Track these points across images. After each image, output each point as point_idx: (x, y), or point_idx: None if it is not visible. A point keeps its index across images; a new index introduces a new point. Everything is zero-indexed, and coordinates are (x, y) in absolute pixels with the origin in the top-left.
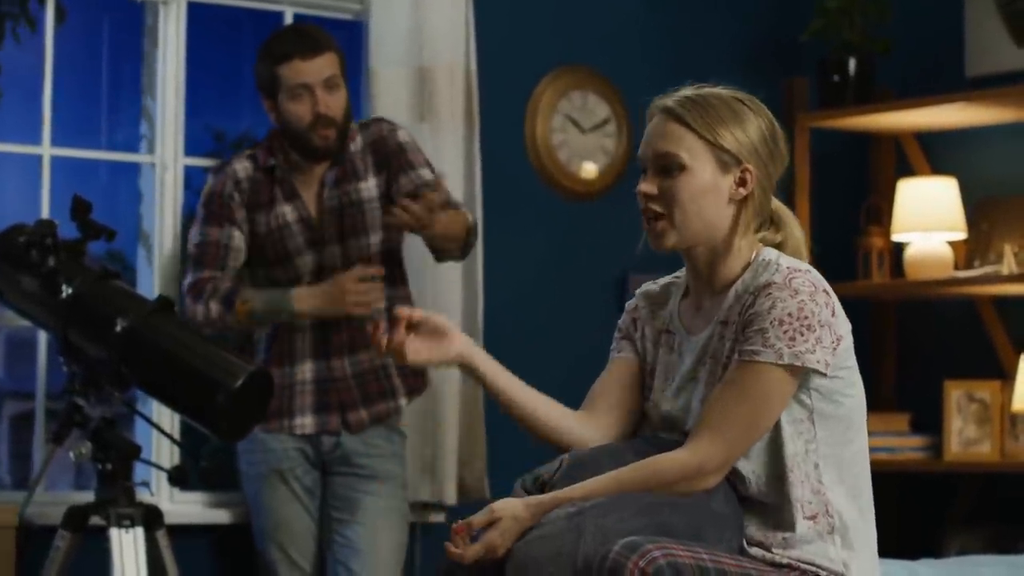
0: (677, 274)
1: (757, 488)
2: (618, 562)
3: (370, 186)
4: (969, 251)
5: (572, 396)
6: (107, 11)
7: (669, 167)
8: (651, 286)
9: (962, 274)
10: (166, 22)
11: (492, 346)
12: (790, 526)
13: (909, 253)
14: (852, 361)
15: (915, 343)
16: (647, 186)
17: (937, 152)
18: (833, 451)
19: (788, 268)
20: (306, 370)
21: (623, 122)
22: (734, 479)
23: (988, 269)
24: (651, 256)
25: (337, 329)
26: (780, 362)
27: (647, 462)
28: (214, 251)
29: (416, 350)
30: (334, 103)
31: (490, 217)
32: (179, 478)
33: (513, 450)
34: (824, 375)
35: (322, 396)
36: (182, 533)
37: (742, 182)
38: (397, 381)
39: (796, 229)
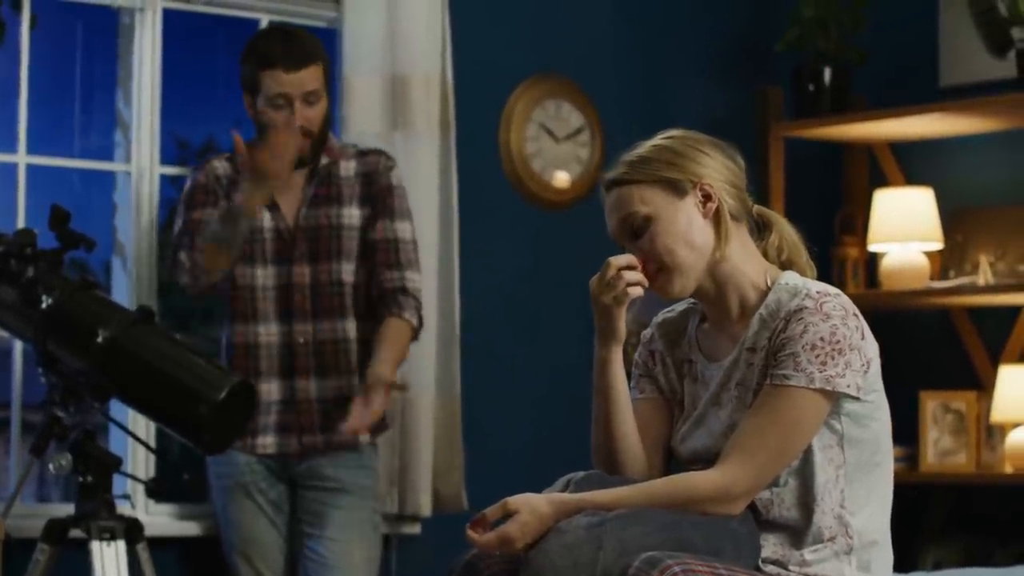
0: (693, 301)
1: (779, 512)
2: None
3: (353, 214)
4: (944, 262)
5: (548, 401)
6: (80, 17)
7: (636, 227)
8: (668, 314)
9: (938, 284)
10: (142, 29)
11: (469, 353)
12: (807, 546)
13: (885, 263)
14: (880, 384)
15: (890, 354)
16: (629, 256)
17: (911, 162)
18: (859, 474)
19: (818, 292)
20: (272, 390)
21: (597, 131)
22: (755, 503)
23: (964, 280)
24: None
25: (305, 351)
26: (811, 386)
27: (678, 478)
28: (195, 229)
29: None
30: (313, 116)
31: (465, 226)
32: (156, 490)
33: (490, 462)
34: (856, 399)
35: (286, 416)
36: (153, 545)
37: (706, 196)
38: None
39: (785, 227)
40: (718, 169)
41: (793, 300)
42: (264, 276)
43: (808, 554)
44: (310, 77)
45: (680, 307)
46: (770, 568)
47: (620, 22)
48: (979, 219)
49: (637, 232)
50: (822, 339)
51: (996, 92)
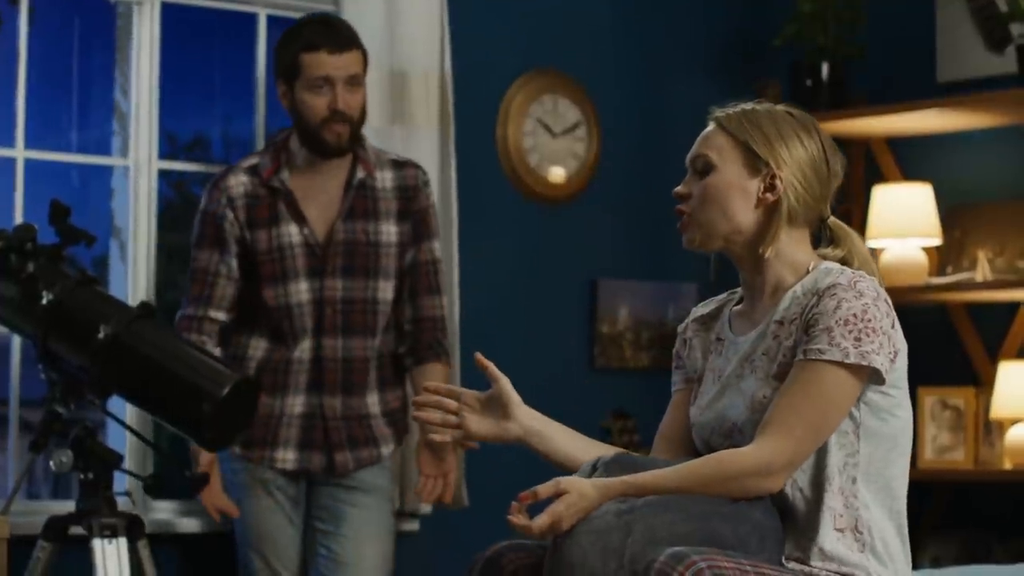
0: (735, 290)
1: (792, 492)
2: (663, 572)
3: (391, 231)
4: (942, 258)
5: (543, 398)
6: (78, 11)
7: (702, 168)
8: (708, 303)
9: (936, 281)
10: (140, 23)
11: (466, 347)
12: (820, 535)
13: (883, 259)
14: (905, 383)
15: None
16: (680, 187)
17: (909, 158)
18: (875, 469)
19: (853, 272)
20: (297, 403)
21: (593, 126)
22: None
23: (962, 276)
24: (622, 261)
25: (334, 368)
26: (847, 361)
27: (715, 455)
28: (201, 278)
29: (478, 424)
30: (352, 101)
31: (464, 221)
32: (155, 487)
33: (491, 459)
34: (882, 384)
35: (308, 432)
36: (153, 542)
37: (771, 187)
38: (386, 430)
39: (859, 244)
40: (803, 166)
41: (827, 278)
42: (298, 292)
43: (825, 547)
44: (353, 61)
45: (720, 297)
46: (793, 565)
47: (617, 17)
48: (977, 215)
49: (700, 172)
50: (855, 315)
51: (994, 88)
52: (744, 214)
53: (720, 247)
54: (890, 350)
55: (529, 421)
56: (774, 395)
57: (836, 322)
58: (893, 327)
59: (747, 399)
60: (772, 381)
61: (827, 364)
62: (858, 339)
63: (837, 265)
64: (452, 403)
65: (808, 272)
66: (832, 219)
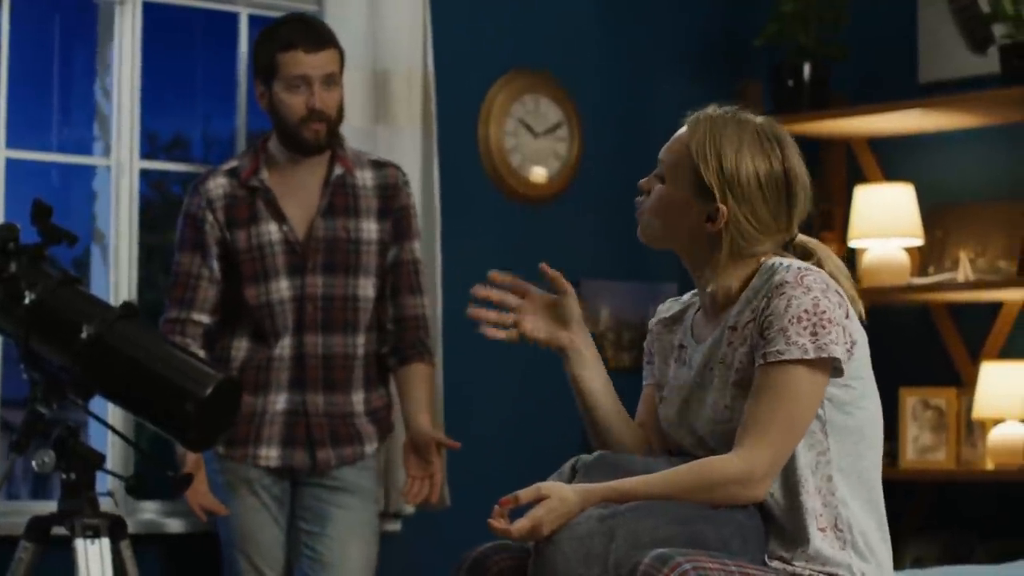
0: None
1: (767, 500)
2: (648, 574)
3: (371, 228)
4: (924, 258)
5: (529, 398)
6: (59, 10)
7: (660, 173)
8: (672, 304)
9: (918, 281)
10: (121, 22)
11: (448, 348)
12: (804, 537)
13: (865, 259)
14: (867, 372)
15: (870, 350)
16: (644, 180)
17: (890, 158)
18: (847, 463)
19: (798, 267)
20: (279, 401)
21: (575, 126)
22: None
23: (944, 276)
24: (603, 261)
25: (315, 364)
26: (807, 357)
27: (698, 463)
28: (183, 281)
29: (534, 325)
30: (330, 100)
31: (446, 221)
32: (137, 487)
33: (473, 460)
34: (840, 375)
35: (290, 429)
36: (136, 542)
37: (710, 218)
38: (370, 428)
39: (827, 256)
40: (753, 200)
41: (775, 276)
42: (278, 290)
43: (807, 547)
44: (329, 59)
45: (685, 297)
46: (776, 564)
47: (599, 17)
48: (959, 215)
49: (659, 176)
50: (806, 311)
51: (975, 88)
52: (680, 233)
53: (656, 246)
54: (846, 340)
55: (580, 338)
56: (735, 403)
57: (790, 320)
58: (847, 317)
59: (708, 408)
60: (731, 388)
61: (789, 364)
62: (814, 333)
63: (781, 260)
64: (515, 299)
65: (756, 273)
66: (799, 238)
